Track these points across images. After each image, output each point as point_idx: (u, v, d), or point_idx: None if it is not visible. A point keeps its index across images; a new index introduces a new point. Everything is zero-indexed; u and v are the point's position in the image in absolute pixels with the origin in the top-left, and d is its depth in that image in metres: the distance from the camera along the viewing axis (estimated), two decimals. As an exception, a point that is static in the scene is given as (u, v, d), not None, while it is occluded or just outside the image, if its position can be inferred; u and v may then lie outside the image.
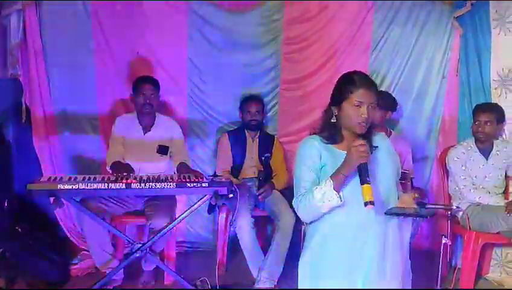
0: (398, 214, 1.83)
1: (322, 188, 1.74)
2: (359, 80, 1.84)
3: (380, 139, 1.99)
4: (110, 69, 3.51)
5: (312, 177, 1.84)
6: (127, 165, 2.89)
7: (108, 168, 2.99)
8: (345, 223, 1.84)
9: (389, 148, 2.00)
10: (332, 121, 1.89)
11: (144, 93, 3.07)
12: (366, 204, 1.71)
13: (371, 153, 1.83)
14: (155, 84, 3.15)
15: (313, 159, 1.86)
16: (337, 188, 1.74)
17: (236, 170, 3.47)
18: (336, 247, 1.86)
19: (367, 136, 1.88)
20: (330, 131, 1.89)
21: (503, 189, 3.24)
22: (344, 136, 1.90)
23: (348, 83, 1.85)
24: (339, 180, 1.75)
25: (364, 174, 1.74)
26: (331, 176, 1.76)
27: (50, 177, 2.59)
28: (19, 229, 3.02)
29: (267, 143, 3.54)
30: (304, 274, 1.93)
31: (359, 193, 1.75)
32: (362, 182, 1.74)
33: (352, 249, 1.84)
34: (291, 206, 3.03)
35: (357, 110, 1.81)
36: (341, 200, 1.74)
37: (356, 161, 1.73)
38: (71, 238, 3.50)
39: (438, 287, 2.99)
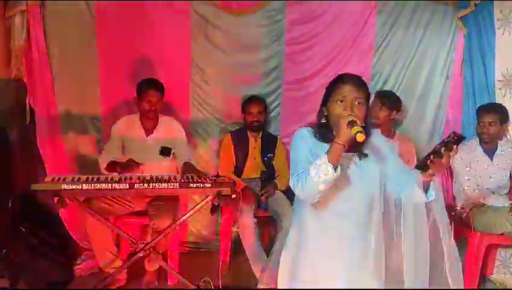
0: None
1: (317, 163, 1.71)
2: (344, 78, 1.87)
3: (377, 139, 1.97)
4: (113, 69, 3.52)
5: (308, 159, 1.81)
6: (129, 163, 2.88)
7: (103, 169, 2.98)
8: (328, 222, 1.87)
9: (385, 150, 1.96)
10: (323, 121, 1.90)
11: (149, 100, 3.06)
12: (356, 133, 1.65)
13: (360, 159, 1.86)
14: (159, 88, 3.12)
15: (308, 147, 1.87)
16: (332, 160, 1.69)
17: (238, 170, 3.47)
18: (319, 244, 1.89)
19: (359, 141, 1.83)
20: (321, 129, 1.90)
21: (508, 190, 3.23)
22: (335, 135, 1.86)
23: (334, 82, 1.88)
24: (334, 151, 1.70)
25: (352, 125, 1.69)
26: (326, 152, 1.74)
27: (54, 178, 2.60)
28: (23, 229, 3.02)
29: (269, 144, 3.54)
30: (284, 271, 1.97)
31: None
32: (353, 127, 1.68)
33: (335, 234, 1.87)
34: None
35: (339, 106, 1.81)
36: (335, 173, 1.70)
37: (344, 123, 1.69)
38: (74, 238, 3.50)
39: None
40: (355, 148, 1.87)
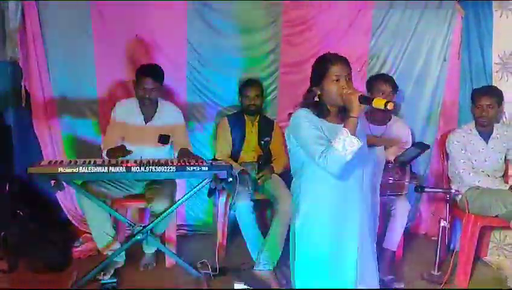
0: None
1: (341, 138, 1.88)
2: (332, 57, 2.06)
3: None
4: (109, 52, 3.49)
5: (322, 135, 1.99)
6: (121, 147, 2.88)
7: (104, 155, 2.97)
8: (330, 195, 2.05)
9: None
10: (316, 99, 2.06)
11: (145, 87, 3.02)
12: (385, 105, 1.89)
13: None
14: (157, 76, 3.06)
15: (315, 124, 2.01)
16: (353, 132, 1.89)
17: (235, 154, 3.48)
18: (325, 213, 2.05)
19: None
20: (317, 107, 2.05)
21: (503, 172, 3.25)
22: (331, 111, 2.06)
23: (323, 62, 2.05)
24: (352, 124, 1.90)
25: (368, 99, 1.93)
26: (343, 126, 1.92)
27: (50, 161, 2.62)
28: (20, 213, 3.04)
29: (266, 127, 3.54)
30: (301, 236, 2.08)
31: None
32: (370, 103, 1.92)
33: (339, 214, 2.05)
34: (290, 190, 3.07)
35: (336, 84, 1.99)
36: (360, 143, 1.90)
37: (355, 99, 1.90)
38: (72, 221, 3.52)
39: (436, 271, 3.04)
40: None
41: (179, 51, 3.61)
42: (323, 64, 2.04)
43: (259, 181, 3.23)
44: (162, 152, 3.14)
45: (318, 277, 2.05)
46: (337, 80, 1.99)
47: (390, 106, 1.89)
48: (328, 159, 1.91)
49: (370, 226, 2.16)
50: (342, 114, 2.04)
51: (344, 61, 2.04)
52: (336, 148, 1.89)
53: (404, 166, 2.94)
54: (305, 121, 2.02)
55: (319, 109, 2.04)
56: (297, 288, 2.08)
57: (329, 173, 1.96)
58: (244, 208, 3.06)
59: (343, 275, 2.05)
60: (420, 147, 2.94)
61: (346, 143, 1.88)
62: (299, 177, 2.11)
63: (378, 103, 1.92)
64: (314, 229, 2.05)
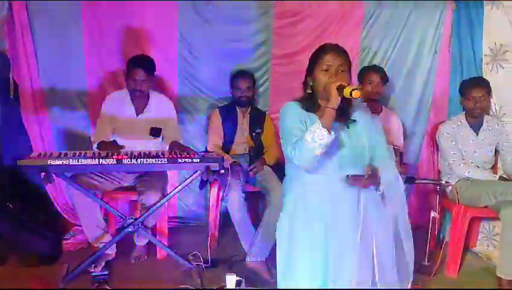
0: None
1: (312, 130, 1.81)
2: (327, 47, 2.00)
3: (360, 111, 2.09)
4: (99, 43, 3.46)
5: (300, 127, 1.91)
6: (113, 143, 2.85)
7: (94, 148, 2.95)
8: (320, 189, 1.94)
9: (369, 118, 2.09)
10: (308, 91, 2.01)
11: (136, 79, 3.00)
12: (351, 91, 1.79)
13: (348, 127, 1.97)
14: (148, 67, 3.03)
15: (298, 116, 1.95)
16: (326, 125, 1.80)
17: (227, 146, 3.47)
18: (311, 208, 1.94)
19: (344, 109, 1.98)
20: (307, 101, 2.00)
21: (492, 164, 3.28)
22: (321, 105, 2.00)
23: (318, 51, 2.01)
24: (326, 116, 1.82)
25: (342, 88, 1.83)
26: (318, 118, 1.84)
27: (40, 153, 2.59)
28: (10, 206, 3.01)
29: (258, 119, 3.53)
30: (281, 235, 2.01)
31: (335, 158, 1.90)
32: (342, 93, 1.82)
33: (327, 211, 1.92)
34: (281, 182, 3.07)
35: (325, 74, 1.94)
36: (330, 133, 1.80)
37: (333, 88, 1.83)
38: (63, 214, 3.50)
39: (426, 261, 3.07)
40: (344, 116, 1.99)
41: (170, 43, 3.58)
42: (316, 53, 2.00)
43: (250, 173, 3.23)
44: (154, 145, 3.12)
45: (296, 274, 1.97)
46: (326, 70, 1.93)
47: (355, 94, 1.79)
48: (296, 150, 1.84)
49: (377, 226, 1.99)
50: (344, 111, 1.97)
51: (338, 51, 1.97)
52: (306, 140, 1.81)
53: None
54: (288, 113, 1.97)
55: (309, 102, 1.99)
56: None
57: (300, 166, 1.88)
58: (235, 200, 3.06)
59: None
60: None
61: (316, 135, 1.79)
62: (286, 172, 2.07)
63: (346, 91, 1.82)
64: (295, 227, 1.98)
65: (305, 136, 1.81)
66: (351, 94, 1.79)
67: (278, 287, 2.03)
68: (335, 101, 1.82)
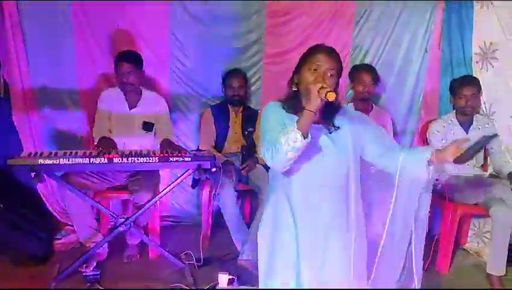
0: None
1: (287, 133, 1.71)
2: (319, 47, 1.87)
3: (345, 115, 1.97)
4: (90, 42, 3.43)
5: (278, 129, 1.79)
6: (110, 141, 2.85)
7: (96, 143, 2.93)
8: (306, 186, 1.87)
9: (356, 122, 1.97)
10: (294, 89, 1.91)
11: (122, 72, 3.00)
12: (326, 94, 1.69)
13: (330, 132, 1.87)
14: (134, 60, 3.05)
15: (277, 118, 1.86)
16: (302, 128, 1.69)
17: (219, 144, 3.47)
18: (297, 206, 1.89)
19: (330, 113, 1.90)
20: (290, 100, 1.90)
21: (482, 162, 3.30)
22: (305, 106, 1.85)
23: (310, 50, 1.88)
24: (304, 119, 1.71)
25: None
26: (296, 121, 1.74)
27: (30, 153, 2.58)
28: (0, 205, 3.00)
29: (250, 118, 3.53)
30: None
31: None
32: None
33: (312, 207, 1.87)
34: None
35: (312, 74, 1.82)
36: (305, 139, 1.70)
37: (314, 90, 1.71)
38: (54, 213, 3.48)
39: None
40: (327, 120, 1.90)
41: (161, 42, 3.57)
42: (308, 52, 1.89)
43: (243, 172, 3.23)
44: (147, 141, 3.13)
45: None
46: (314, 70, 1.81)
47: (330, 97, 1.67)
48: (269, 152, 1.76)
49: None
50: (328, 114, 1.88)
51: (330, 54, 1.84)
52: (279, 142, 1.71)
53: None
54: (266, 114, 1.89)
55: (291, 102, 1.89)
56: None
57: (273, 168, 1.81)
58: (228, 199, 3.07)
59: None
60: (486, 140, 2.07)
61: (290, 138, 1.69)
62: (271, 176, 1.99)
63: (321, 92, 1.70)
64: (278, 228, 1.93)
65: (280, 137, 1.71)
66: (325, 96, 1.68)
67: (260, 287, 2.02)
68: (314, 103, 1.70)
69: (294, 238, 1.89)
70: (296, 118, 1.77)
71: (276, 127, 1.80)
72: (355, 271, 1.90)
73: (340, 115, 1.94)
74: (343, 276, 1.89)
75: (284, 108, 1.90)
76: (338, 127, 1.90)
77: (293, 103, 1.89)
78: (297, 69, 1.90)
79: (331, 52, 1.86)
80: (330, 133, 1.89)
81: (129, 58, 3.05)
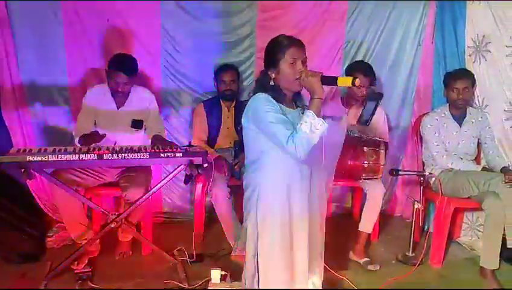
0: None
1: (307, 121, 1.86)
2: (287, 39, 2.00)
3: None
4: (80, 38, 3.39)
5: (285, 118, 1.93)
6: (93, 133, 2.81)
7: (76, 142, 2.90)
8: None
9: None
10: (271, 84, 2.01)
11: (117, 81, 2.92)
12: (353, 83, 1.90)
13: (302, 113, 1.98)
14: (130, 70, 2.94)
15: (277, 110, 1.95)
16: (319, 114, 1.88)
17: (212, 140, 3.45)
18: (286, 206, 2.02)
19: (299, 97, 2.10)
20: (274, 92, 2.00)
21: (475, 156, 3.30)
22: (286, 95, 2.04)
23: (279, 44, 2.01)
24: (316, 106, 1.89)
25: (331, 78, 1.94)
26: (308, 108, 1.90)
27: (19, 149, 2.55)
28: (-9, 203, 2.98)
29: (242, 113, 3.49)
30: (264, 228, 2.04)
31: None
32: (334, 83, 1.94)
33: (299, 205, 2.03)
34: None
35: (293, 67, 1.96)
36: (325, 124, 1.88)
37: (317, 80, 1.90)
38: (45, 210, 3.46)
39: (410, 252, 3.10)
40: (299, 102, 2.10)
41: (153, 37, 3.54)
42: (278, 47, 1.99)
43: (235, 167, 3.21)
44: (137, 138, 3.10)
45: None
46: (292, 63, 1.96)
47: (357, 82, 1.89)
48: (296, 143, 1.86)
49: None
50: (296, 99, 2.07)
51: (300, 44, 2.00)
52: (304, 131, 1.85)
53: (366, 124, 2.72)
54: (266, 105, 1.94)
55: (275, 94, 1.99)
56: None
57: (296, 158, 1.89)
58: (220, 194, 3.05)
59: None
60: (374, 97, 2.74)
61: (313, 126, 1.85)
62: (257, 169, 2.03)
63: (344, 81, 1.91)
64: (275, 223, 2.01)
65: (302, 128, 1.85)
66: (353, 83, 1.88)
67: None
68: (322, 91, 1.89)
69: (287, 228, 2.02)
70: (285, 107, 1.98)
71: (284, 117, 1.93)
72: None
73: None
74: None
75: (273, 98, 1.98)
76: (307, 106, 1.99)
77: (278, 94, 2.01)
78: (272, 65, 2.01)
79: (298, 42, 2.01)
80: (302, 113, 1.99)
81: (126, 68, 2.93)
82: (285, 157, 1.94)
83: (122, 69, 2.92)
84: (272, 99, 1.96)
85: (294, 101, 2.08)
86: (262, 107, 1.94)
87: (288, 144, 1.87)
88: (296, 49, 1.97)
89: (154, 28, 3.52)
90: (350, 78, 1.90)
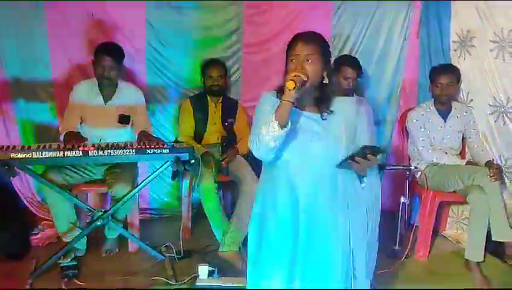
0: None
1: (267, 122, 1.75)
2: (298, 35, 1.87)
3: (341, 102, 1.95)
4: (63, 33, 3.34)
5: (265, 120, 1.80)
6: (78, 135, 2.78)
7: (61, 138, 2.86)
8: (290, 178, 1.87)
9: (351, 111, 1.95)
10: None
11: (104, 65, 2.92)
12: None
13: (324, 119, 1.86)
14: (116, 54, 2.97)
15: (268, 106, 1.86)
16: (279, 118, 1.73)
17: (199, 136, 3.43)
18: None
19: (323, 99, 1.89)
20: (281, 91, 1.85)
21: (460, 150, 3.33)
22: (306, 97, 1.87)
23: (290, 41, 1.88)
24: (280, 109, 1.74)
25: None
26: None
27: (3, 146, 2.51)
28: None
29: (230, 108, 3.50)
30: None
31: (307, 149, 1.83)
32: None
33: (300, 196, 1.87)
34: (255, 171, 3.06)
35: (293, 64, 1.82)
36: (282, 129, 1.73)
37: (288, 81, 1.73)
38: (30, 208, 3.42)
39: (397, 246, 3.12)
40: (320, 107, 1.89)
41: (137, 31, 3.50)
42: (289, 43, 1.89)
43: (223, 163, 3.20)
44: (124, 133, 3.07)
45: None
46: (292, 60, 1.83)
47: (289, 86, 1.71)
48: (254, 142, 1.81)
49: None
50: (321, 103, 1.89)
51: (306, 40, 1.83)
52: (261, 132, 1.77)
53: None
54: (261, 105, 1.91)
55: (282, 92, 1.86)
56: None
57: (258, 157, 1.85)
58: (208, 190, 3.04)
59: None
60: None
61: (269, 128, 1.74)
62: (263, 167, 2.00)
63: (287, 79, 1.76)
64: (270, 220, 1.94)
65: (262, 128, 1.76)
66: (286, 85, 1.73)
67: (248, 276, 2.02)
68: (287, 93, 1.73)
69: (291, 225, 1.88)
70: (304, 112, 1.85)
71: (264, 119, 1.81)
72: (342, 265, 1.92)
73: (340, 102, 1.92)
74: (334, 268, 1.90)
75: (277, 96, 1.88)
76: (332, 111, 1.88)
77: (298, 96, 1.85)
78: (286, 62, 1.89)
79: (308, 38, 1.85)
80: (324, 119, 1.88)
81: (111, 51, 2.95)
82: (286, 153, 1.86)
83: (108, 53, 2.92)
84: (272, 96, 1.89)
85: (319, 104, 1.90)
86: (257, 106, 1.93)
87: (250, 143, 1.85)
88: (299, 45, 1.82)
89: (139, 22, 3.49)
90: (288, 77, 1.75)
